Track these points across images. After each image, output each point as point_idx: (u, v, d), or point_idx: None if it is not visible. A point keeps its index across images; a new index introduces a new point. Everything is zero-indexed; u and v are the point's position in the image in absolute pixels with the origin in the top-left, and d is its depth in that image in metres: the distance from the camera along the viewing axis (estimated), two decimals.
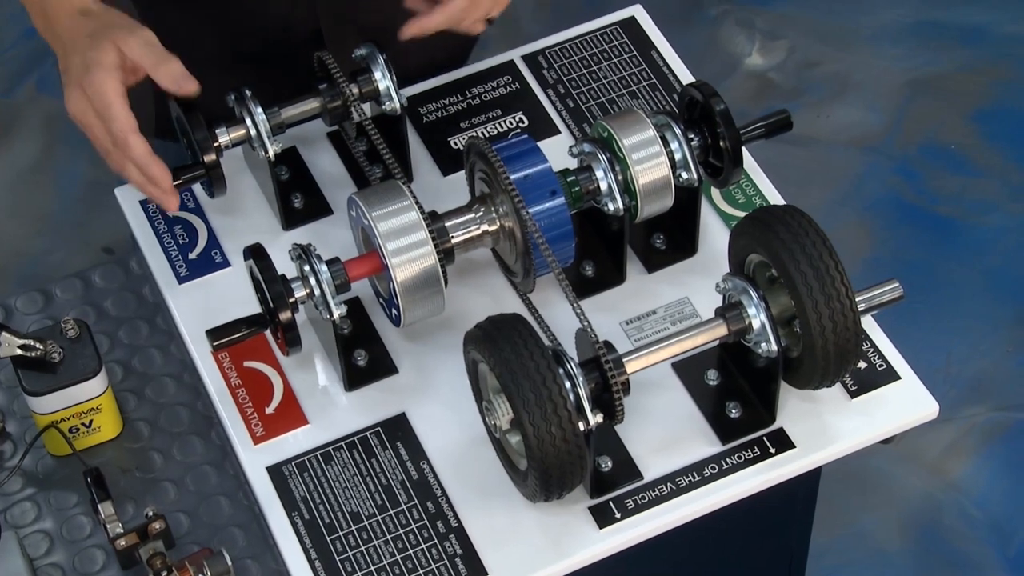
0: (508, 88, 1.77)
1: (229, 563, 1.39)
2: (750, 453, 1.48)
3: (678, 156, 1.53)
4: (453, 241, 1.52)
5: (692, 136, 1.55)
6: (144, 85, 1.66)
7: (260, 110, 1.57)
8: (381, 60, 1.59)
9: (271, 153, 1.57)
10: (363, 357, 1.55)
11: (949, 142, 2.97)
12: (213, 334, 1.48)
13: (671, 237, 1.62)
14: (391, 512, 1.46)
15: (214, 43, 1.73)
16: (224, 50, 1.73)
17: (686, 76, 1.76)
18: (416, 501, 1.47)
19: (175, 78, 1.50)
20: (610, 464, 1.46)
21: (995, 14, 3.17)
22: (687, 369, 1.53)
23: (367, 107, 1.61)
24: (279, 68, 1.74)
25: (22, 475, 1.53)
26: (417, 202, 1.49)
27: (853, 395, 1.51)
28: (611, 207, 1.52)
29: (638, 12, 1.82)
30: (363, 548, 1.44)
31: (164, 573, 1.39)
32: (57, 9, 1.51)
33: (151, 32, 1.50)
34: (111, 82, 1.47)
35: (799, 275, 1.39)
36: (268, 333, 1.52)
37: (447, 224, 1.52)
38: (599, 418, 1.37)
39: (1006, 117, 3.01)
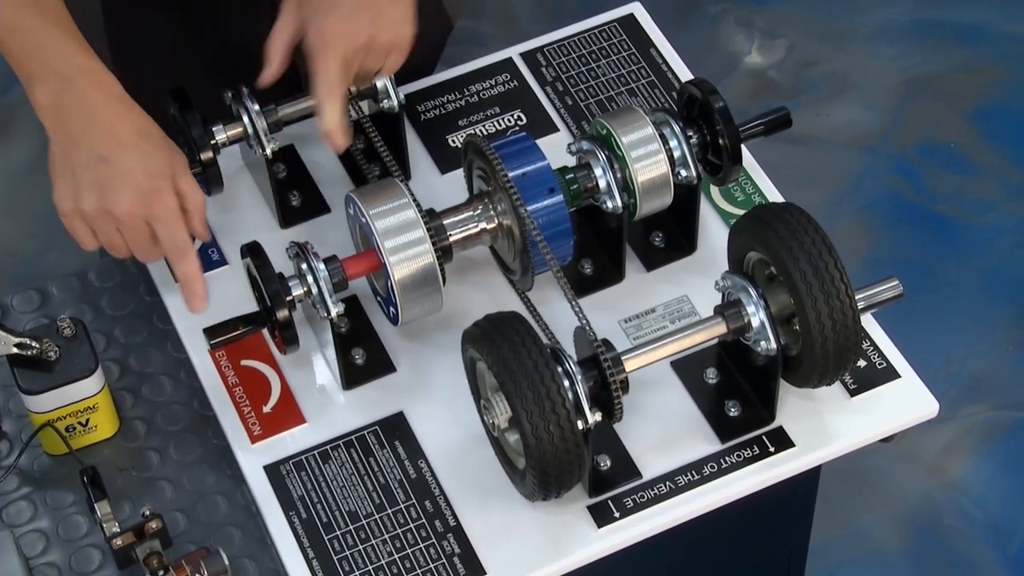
0: (506, 86, 1.76)
1: (226, 562, 1.38)
2: (749, 452, 1.47)
3: (677, 154, 1.53)
4: (451, 239, 1.52)
5: (691, 133, 1.55)
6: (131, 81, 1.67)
7: (257, 108, 1.56)
8: None
9: (268, 151, 1.57)
10: (361, 356, 1.54)
11: (947, 141, 2.97)
12: (210, 332, 1.48)
13: (670, 235, 1.61)
14: (389, 511, 1.45)
15: (200, 43, 1.72)
16: (209, 49, 1.73)
17: (685, 74, 1.75)
18: (414, 500, 1.46)
19: (206, 230, 1.49)
20: (609, 463, 1.46)
21: (993, 13, 3.17)
22: (686, 367, 1.52)
23: (365, 105, 1.61)
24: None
25: (18, 474, 1.52)
26: (415, 200, 1.48)
27: (853, 393, 1.51)
28: (610, 205, 1.52)
29: (637, 9, 1.82)
30: (361, 547, 1.43)
31: (161, 572, 1.38)
32: (91, 89, 1.44)
33: None
34: (173, 195, 1.45)
35: (798, 273, 1.39)
36: (265, 332, 1.52)
37: (445, 222, 1.51)
38: (597, 416, 1.37)
39: (1004, 116, 3.00)
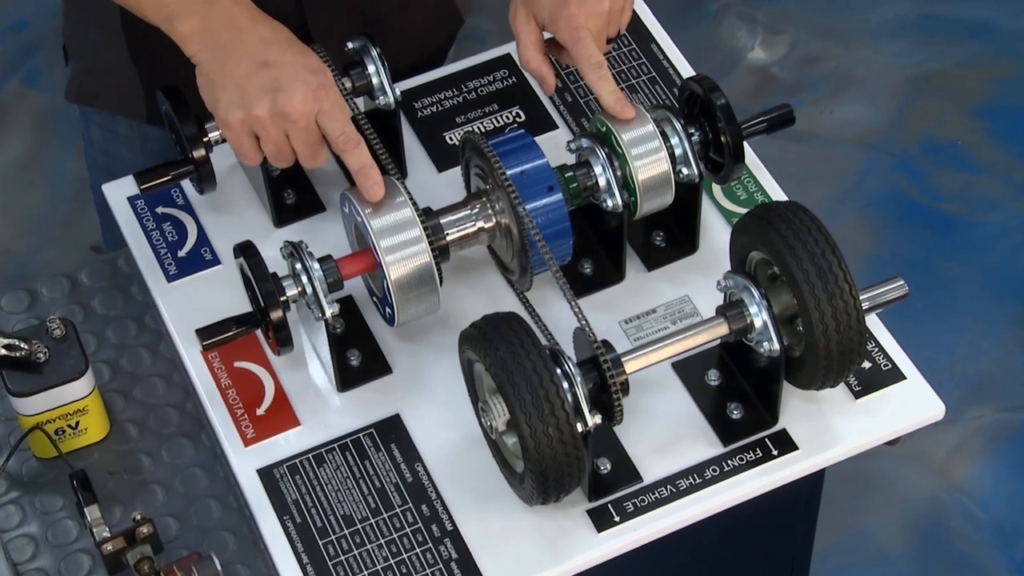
0: (504, 82, 1.75)
1: (218, 568, 1.38)
2: (752, 455, 1.46)
3: (678, 151, 1.52)
4: (448, 238, 1.50)
5: (692, 131, 1.54)
6: (130, 67, 1.66)
7: None
8: (375, 54, 1.58)
9: None
10: (356, 357, 1.53)
11: (952, 138, 2.96)
12: (203, 333, 1.47)
13: (671, 234, 1.60)
14: (384, 515, 1.44)
15: None
16: None
17: (686, 70, 1.75)
18: (410, 504, 1.45)
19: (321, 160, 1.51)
20: (609, 466, 1.45)
21: (998, 9, 3.17)
22: (687, 369, 1.51)
23: (360, 102, 1.60)
24: None
25: (6, 478, 1.51)
26: (411, 198, 1.47)
27: (857, 395, 1.50)
28: (610, 203, 1.50)
29: (638, 5, 1.81)
30: (356, 552, 1.42)
31: None
32: (233, 6, 1.49)
33: None
34: (337, 89, 1.48)
35: (801, 273, 1.38)
36: (259, 332, 1.51)
37: (442, 221, 1.50)
38: (597, 419, 1.36)
39: (1009, 113, 3.00)
